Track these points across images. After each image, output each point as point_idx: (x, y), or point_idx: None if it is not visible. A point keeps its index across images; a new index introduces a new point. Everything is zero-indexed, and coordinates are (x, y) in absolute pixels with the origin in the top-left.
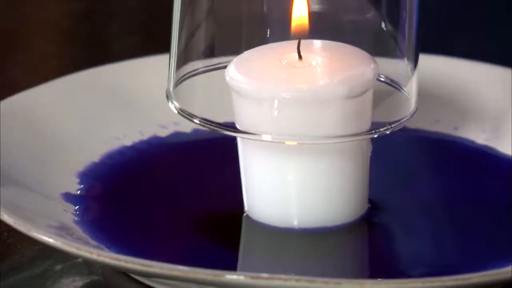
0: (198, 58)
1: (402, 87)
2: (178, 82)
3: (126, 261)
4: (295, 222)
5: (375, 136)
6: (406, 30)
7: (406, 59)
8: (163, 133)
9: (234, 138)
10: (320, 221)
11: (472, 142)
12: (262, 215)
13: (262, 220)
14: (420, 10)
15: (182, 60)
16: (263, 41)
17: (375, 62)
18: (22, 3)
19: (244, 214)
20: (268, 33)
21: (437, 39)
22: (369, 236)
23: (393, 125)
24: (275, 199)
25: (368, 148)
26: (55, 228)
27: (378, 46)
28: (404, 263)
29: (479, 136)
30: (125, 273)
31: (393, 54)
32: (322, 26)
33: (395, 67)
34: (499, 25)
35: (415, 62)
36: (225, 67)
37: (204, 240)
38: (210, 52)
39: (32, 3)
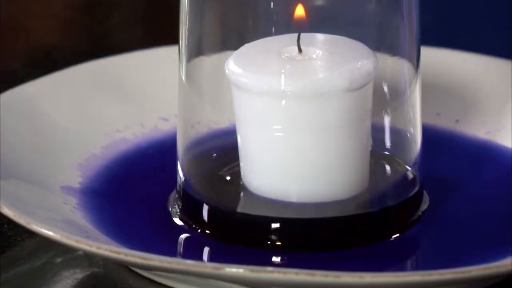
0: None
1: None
2: None
3: (125, 254)
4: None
5: None
6: (407, 23)
7: (407, 53)
8: (164, 125)
9: (234, 128)
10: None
11: (473, 134)
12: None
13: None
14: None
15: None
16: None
17: (374, 55)
18: None
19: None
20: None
21: (438, 31)
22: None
23: None
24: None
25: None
26: (55, 220)
27: (379, 41)
28: (403, 254)
29: (479, 128)
30: (125, 266)
31: (394, 50)
32: (322, 20)
33: (396, 63)
34: (499, 17)
35: (417, 60)
36: None
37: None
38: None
39: None
